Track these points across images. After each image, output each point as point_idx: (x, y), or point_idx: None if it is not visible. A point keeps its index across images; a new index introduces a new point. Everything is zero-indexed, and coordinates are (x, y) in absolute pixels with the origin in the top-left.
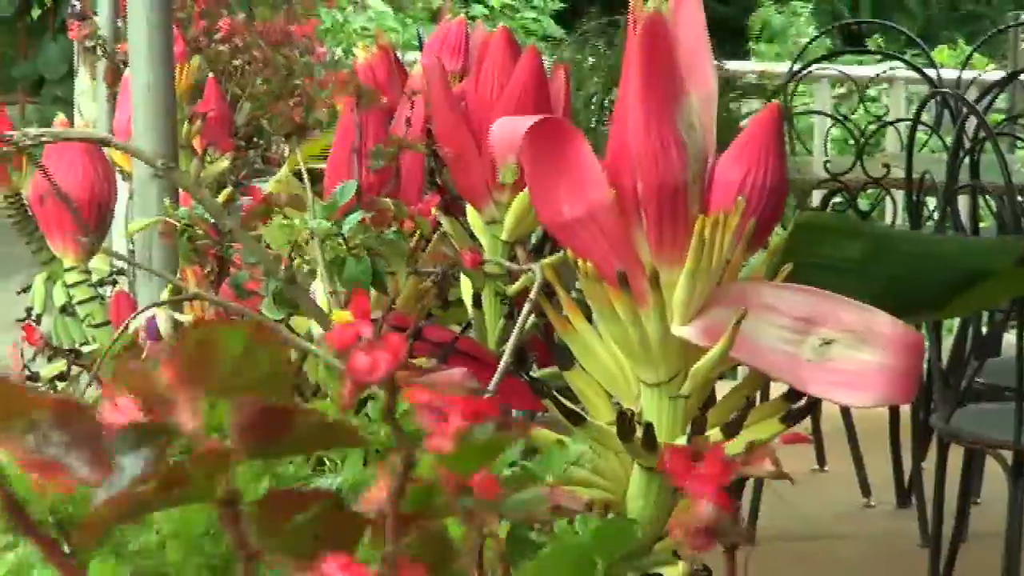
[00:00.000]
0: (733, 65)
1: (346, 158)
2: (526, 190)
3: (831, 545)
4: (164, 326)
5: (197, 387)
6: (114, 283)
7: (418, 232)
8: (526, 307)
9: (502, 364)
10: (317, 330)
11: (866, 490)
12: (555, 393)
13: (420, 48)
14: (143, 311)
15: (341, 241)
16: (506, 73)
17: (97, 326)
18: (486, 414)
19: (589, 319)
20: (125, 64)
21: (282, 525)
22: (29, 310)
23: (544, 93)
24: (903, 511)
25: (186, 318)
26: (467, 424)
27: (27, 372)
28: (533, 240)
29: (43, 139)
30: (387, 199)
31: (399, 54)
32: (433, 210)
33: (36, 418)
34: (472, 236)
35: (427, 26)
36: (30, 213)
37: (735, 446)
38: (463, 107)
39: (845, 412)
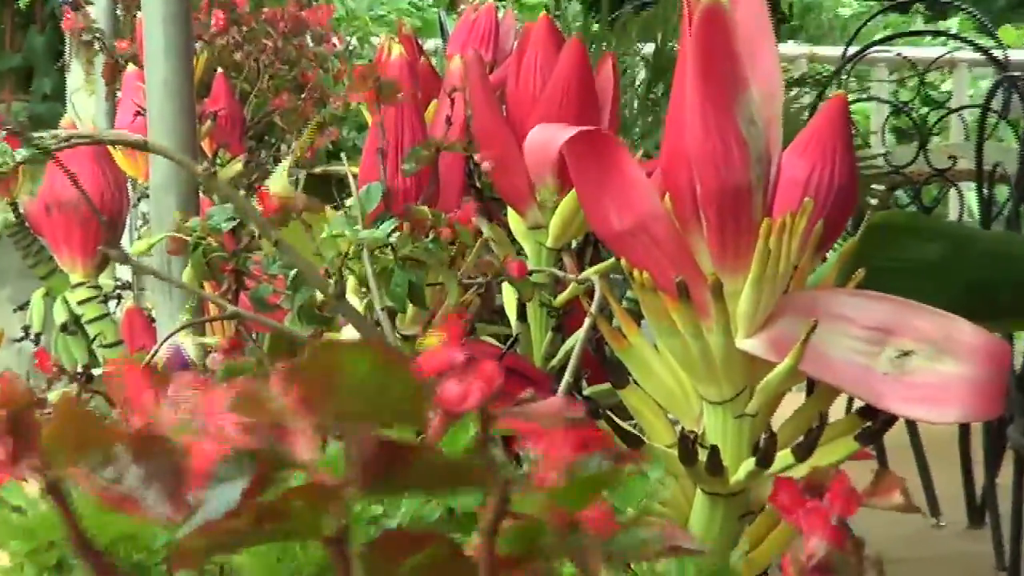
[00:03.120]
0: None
1: (378, 162)
2: (573, 192)
3: (897, 570)
4: (193, 351)
5: (320, 414)
6: (119, 299)
7: (458, 240)
8: (585, 325)
9: (563, 385)
10: None
11: (934, 509)
12: (610, 413)
13: (442, 35)
14: (175, 332)
15: (388, 252)
16: (548, 67)
17: (109, 346)
18: (597, 445)
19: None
20: (125, 59)
21: (394, 568)
22: (27, 328)
23: (589, 90)
24: (975, 532)
25: (211, 341)
26: (577, 456)
27: (35, 398)
28: (573, 243)
29: (74, 142)
30: (423, 207)
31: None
32: (474, 218)
33: (114, 451)
34: (513, 241)
35: (444, 9)
36: (27, 224)
37: (804, 468)
38: (503, 104)
39: (910, 422)
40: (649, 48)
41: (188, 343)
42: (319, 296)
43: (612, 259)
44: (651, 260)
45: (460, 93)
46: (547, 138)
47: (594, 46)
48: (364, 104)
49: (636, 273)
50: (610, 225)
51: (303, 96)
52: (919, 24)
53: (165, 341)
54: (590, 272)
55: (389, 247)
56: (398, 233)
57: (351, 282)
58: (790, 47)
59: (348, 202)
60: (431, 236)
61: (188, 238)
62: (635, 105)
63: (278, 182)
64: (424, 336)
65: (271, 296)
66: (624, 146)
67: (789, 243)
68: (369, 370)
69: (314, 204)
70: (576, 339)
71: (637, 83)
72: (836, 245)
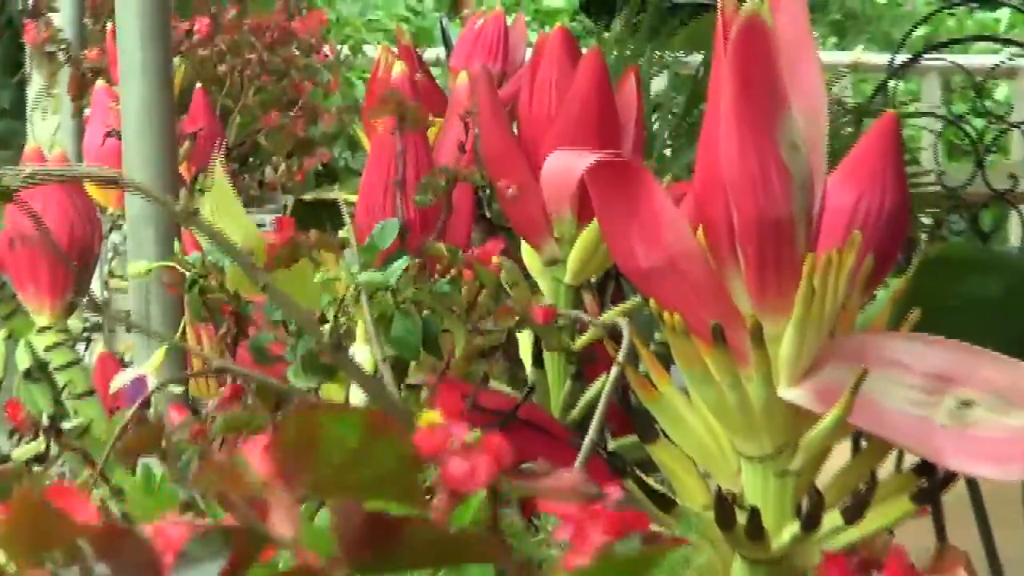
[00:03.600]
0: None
1: (382, 190)
2: (594, 223)
3: None
4: (162, 401)
5: (300, 486)
6: (88, 341)
7: (476, 282)
8: (611, 373)
9: (586, 443)
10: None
11: (997, 571)
12: (637, 471)
13: (444, 44)
14: (157, 390)
15: (390, 296)
16: (565, 84)
17: (80, 396)
18: (632, 526)
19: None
20: (94, 72)
21: None
22: None
23: (609, 108)
24: None
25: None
26: (611, 538)
27: None
28: (594, 278)
29: (39, 179)
30: (439, 244)
31: (417, 51)
32: (496, 257)
33: (79, 547)
34: (527, 277)
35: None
36: None
37: (855, 532)
38: (515, 125)
39: (971, 479)
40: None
41: (152, 382)
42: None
43: (638, 298)
44: (682, 300)
45: (472, 116)
46: (565, 167)
47: (616, 54)
48: (358, 124)
49: (666, 315)
50: (636, 261)
51: (292, 113)
52: (970, 26)
53: (145, 400)
54: (615, 313)
55: (390, 291)
56: (396, 274)
57: (360, 329)
58: (832, 55)
59: (341, 233)
60: (447, 277)
61: (187, 273)
62: (657, 121)
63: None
64: (425, 397)
65: (272, 345)
66: (650, 174)
67: (836, 281)
68: (355, 437)
69: (327, 240)
70: (599, 388)
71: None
72: (887, 281)
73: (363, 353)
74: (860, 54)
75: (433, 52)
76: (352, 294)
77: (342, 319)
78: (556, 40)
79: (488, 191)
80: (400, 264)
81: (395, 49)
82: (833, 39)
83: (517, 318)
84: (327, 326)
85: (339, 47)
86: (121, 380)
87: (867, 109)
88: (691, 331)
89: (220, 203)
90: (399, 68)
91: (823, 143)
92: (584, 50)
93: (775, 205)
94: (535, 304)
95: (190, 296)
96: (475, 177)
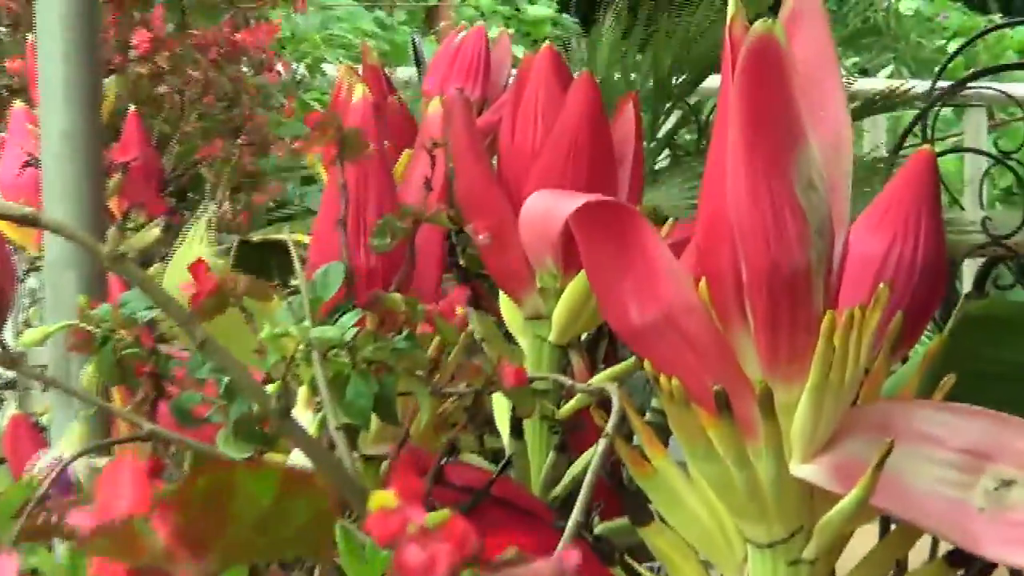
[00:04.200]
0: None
1: (336, 232)
2: (582, 274)
3: None
4: (84, 473)
5: (207, 552)
6: None
7: (438, 339)
8: (599, 447)
9: (570, 526)
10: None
11: None
12: (628, 559)
13: (416, 64)
14: (74, 459)
15: (345, 354)
16: (552, 112)
17: None
18: None
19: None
20: (10, 92)
21: None
22: None
23: (603, 141)
24: None
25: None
26: None
27: None
28: (584, 335)
29: None
30: (395, 296)
31: (385, 71)
32: (460, 309)
33: None
34: (506, 334)
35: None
36: None
37: None
38: (494, 157)
39: (1014, 570)
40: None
41: (80, 462)
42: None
43: (632, 359)
44: (682, 363)
45: (442, 148)
46: (548, 208)
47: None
48: (316, 154)
49: (663, 379)
50: (629, 318)
51: (239, 141)
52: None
53: (62, 469)
54: (605, 376)
55: (346, 349)
56: (357, 330)
57: (302, 393)
58: (863, 82)
59: (294, 282)
60: (405, 333)
61: (95, 330)
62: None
63: (192, 251)
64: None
65: (198, 407)
66: (644, 219)
67: (859, 341)
68: (270, 495)
69: (259, 288)
70: (586, 462)
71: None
72: (920, 342)
73: (305, 419)
74: (893, 82)
75: (405, 72)
76: (302, 352)
77: (289, 380)
78: (543, 62)
79: (462, 235)
80: (349, 318)
81: (360, 68)
82: (853, 58)
83: (486, 380)
84: (269, 387)
85: (295, 66)
86: (39, 466)
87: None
88: (692, 398)
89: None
90: (360, 91)
91: (847, 182)
92: (571, 68)
93: (789, 254)
94: (507, 364)
95: (101, 355)
96: (441, 218)
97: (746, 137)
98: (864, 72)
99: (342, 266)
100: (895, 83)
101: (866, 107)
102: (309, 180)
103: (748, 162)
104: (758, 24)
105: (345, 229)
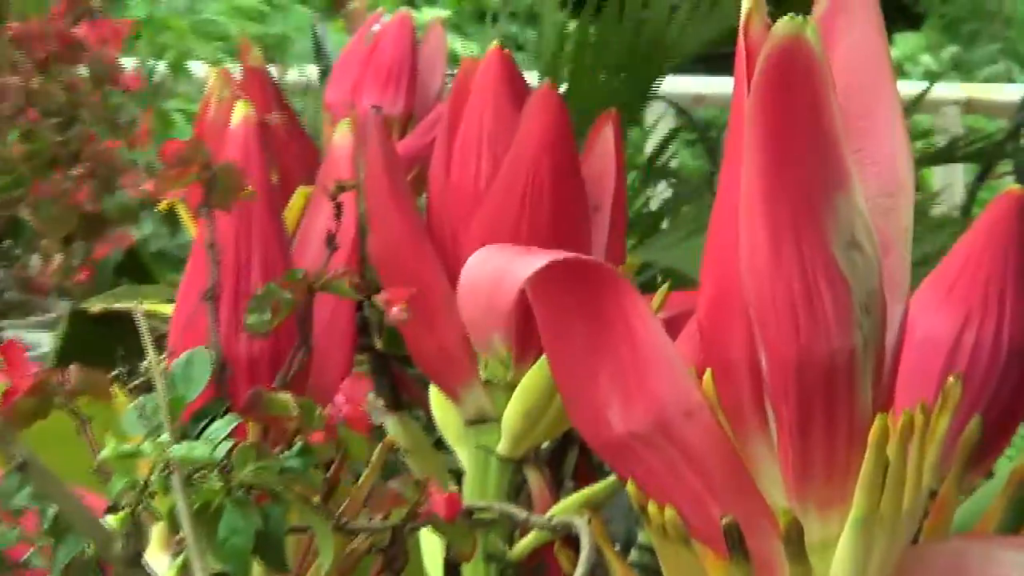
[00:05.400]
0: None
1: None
2: (542, 361)
3: None
4: None
5: None
6: None
7: (341, 453)
8: None
9: None
10: None
11: None
12: None
13: (318, 60)
14: None
15: (216, 477)
16: (503, 136)
17: None
18: None
19: None
20: None
21: None
22: None
23: (572, 176)
24: None
25: None
26: None
27: None
28: (545, 443)
29: None
30: (283, 397)
31: (273, 72)
32: (373, 411)
33: None
34: (439, 444)
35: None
36: None
37: None
38: (424, 202)
39: None
40: None
41: None
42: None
43: (611, 477)
44: (679, 485)
45: (351, 192)
46: (499, 270)
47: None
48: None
49: (652, 508)
50: (608, 424)
51: (76, 172)
52: None
53: None
54: (572, 503)
55: (218, 470)
56: (233, 444)
57: (158, 529)
58: (946, 88)
59: (147, 373)
60: (298, 446)
61: None
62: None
63: None
64: None
65: (14, 548)
66: (631, 284)
67: (921, 455)
68: None
69: (99, 383)
70: None
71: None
72: (1006, 455)
73: (161, 565)
74: (975, 88)
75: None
76: (159, 475)
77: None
78: (490, 69)
79: (378, 311)
80: (221, 427)
81: (238, 69)
82: (950, 47)
83: (410, 510)
84: (112, 519)
85: (152, 64)
86: None
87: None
88: (692, 533)
89: None
90: (242, 112)
91: (906, 239)
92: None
93: (825, 338)
94: (438, 487)
95: None
96: (342, 287)
97: (766, 177)
98: (957, 67)
99: (210, 354)
100: (980, 88)
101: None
102: (173, 221)
103: (769, 211)
104: (783, 22)
105: (215, 302)
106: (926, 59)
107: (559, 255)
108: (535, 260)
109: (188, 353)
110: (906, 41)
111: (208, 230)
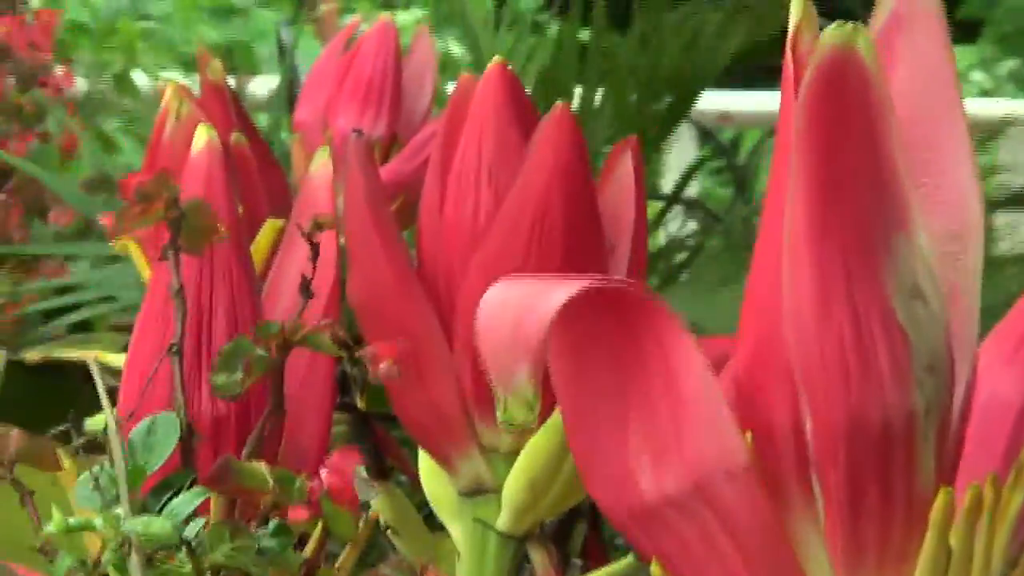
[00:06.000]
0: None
1: (160, 362)
2: (552, 422)
3: None
4: None
5: None
6: None
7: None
8: None
9: None
10: None
11: None
12: None
13: (283, 68)
14: None
15: (183, 557)
16: (508, 166)
17: None
18: None
19: None
20: None
21: None
22: None
23: (587, 212)
24: None
25: None
26: None
27: None
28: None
29: None
30: (257, 466)
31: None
32: (357, 482)
33: None
34: (430, 518)
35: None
36: None
37: None
38: (415, 240)
39: None
40: None
41: None
42: None
43: (627, 559)
44: (712, 563)
45: (331, 230)
46: (528, 297)
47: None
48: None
49: None
50: (634, 487)
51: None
52: None
53: None
54: None
55: (186, 548)
56: (202, 522)
57: None
58: (993, 104)
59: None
60: (274, 524)
61: None
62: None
63: None
64: None
65: None
66: (676, 321)
67: (991, 535)
68: None
69: (42, 449)
70: None
71: None
72: None
73: None
74: None
75: (266, 82)
76: (113, 554)
77: None
78: (491, 87)
79: (359, 365)
80: (186, 501)
81: (196, 85)
82: (1008, 61)
83: None
84: None
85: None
86: None
87: None
88: None
89: None
90: (204, 137)
91: (975, 287)
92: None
93: (880, 399)
94: (432, 572)
95: None
96: (324, 342)
97: (813, 212)
98: (1016, 83)
99: (174, 419)
100: None
101: None
102: (114, 259)
103: (816, 252)
104: (832, 30)
105: (179, 357)
106: (977, 76)
107: (598, 279)
108: (572, 284)
109: (151, 418)
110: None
111: (174, 275)
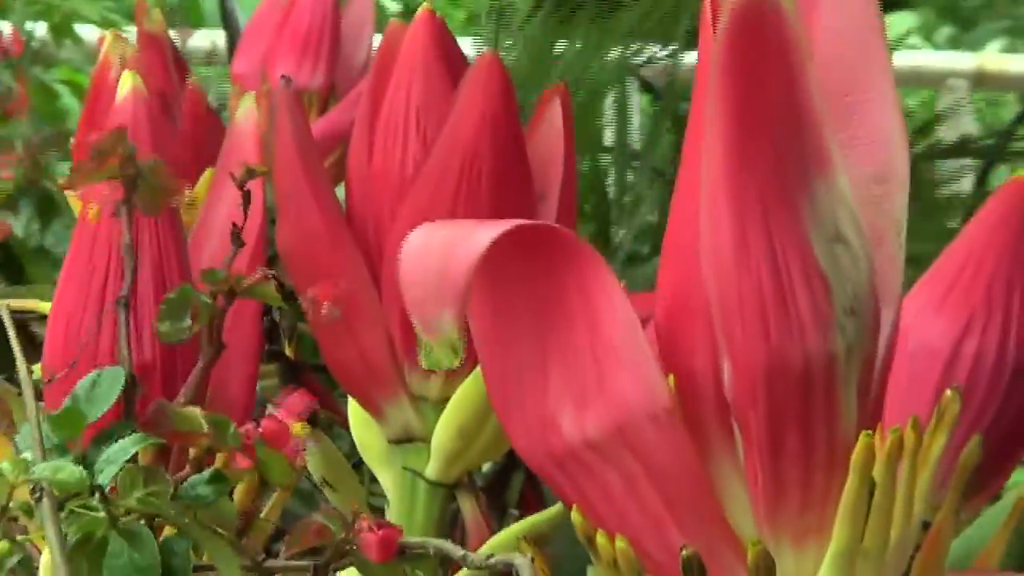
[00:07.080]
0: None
1: (91, 309)
2: (477, 371)
3: None
4: None
5: None
6: None
7: (256, 477)
8: None
9: None
10: None
11: None
12: None
13: (225, 25)
14: None
15: (100, 506)
16: (435, 112)
17: None
18: None
19: None
20: None
21: None
22: None
23: (516, 160)
24: None
25: None
26: None
27: None
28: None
29: None
30: (193, 409)
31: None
32: (296, 428)
33: None
34: (358, 465)
35: None
36: None
37: None
38: (344, 189)
39: None
40: None
41: None
42: None
43: (557, 506)
44: (634, 509)
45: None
46: (453, 239)
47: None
48: (62, 175)
49: (601, 539)
50: (554, 430)
51: None
52: None
53: None
54: (513, 534)
55: (98, 495)
56: (113, 468)
57: (45, 559)
58: (934, 56)
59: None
60: (211, 471)
61: None
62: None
63: None
64: None
65: None
66: (602, 261)
67: (912, 479)
68: None
69: None
70: None
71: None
72: (1012, 481)
73: None
74: (990, 56)
75: (208, 36)
76: (25, 500)
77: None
78: (419, 35)
79: (289, 308)
80: (122, 449)
81: (133, 35)
82: (944, 29)
83: (336, 547)
84: None
85: (29, 26)
86: None
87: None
88: (646, 567)
89: None
90: (129, 84)
91: (899, 232)
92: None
93: (801, 342)
94: (365, 520)
95: None
96: (268, 292)
97: (731, 158)
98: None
99: (120, 372)
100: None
101: None
102: (50, 208)
103: (734, 196)
104: None
105: (128, 307)
106: (916, 42)
107: (524, 222)
108: (496, 227)
109: (97, 372)
110: (893, 22)
111: (126, 230)
